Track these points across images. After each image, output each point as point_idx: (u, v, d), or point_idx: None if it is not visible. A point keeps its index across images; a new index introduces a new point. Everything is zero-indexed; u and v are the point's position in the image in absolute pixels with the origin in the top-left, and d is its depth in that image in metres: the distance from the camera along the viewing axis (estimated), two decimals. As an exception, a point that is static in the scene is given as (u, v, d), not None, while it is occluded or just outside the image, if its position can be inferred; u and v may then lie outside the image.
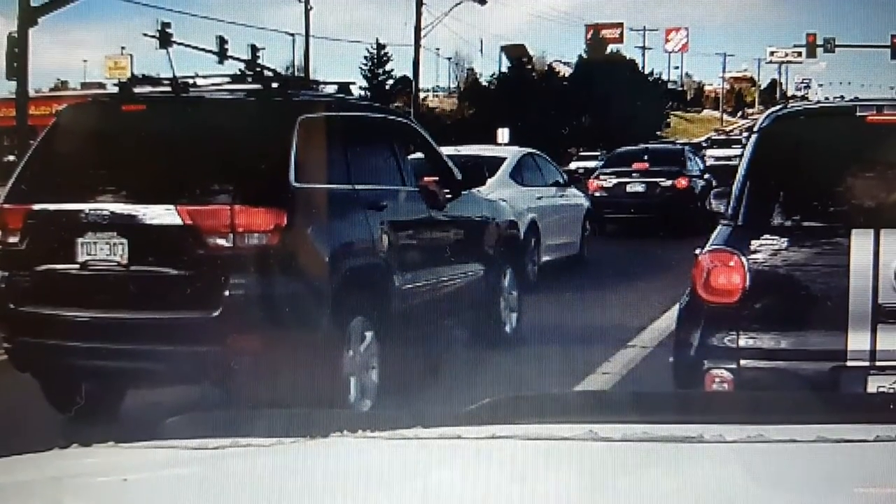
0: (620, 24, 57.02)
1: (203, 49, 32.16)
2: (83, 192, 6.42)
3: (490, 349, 8.08)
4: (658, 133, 52.90)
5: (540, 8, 79.44)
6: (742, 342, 4.98)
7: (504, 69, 53.86)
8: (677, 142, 38.36)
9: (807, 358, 4.88)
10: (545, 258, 12.92)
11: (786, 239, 5.04)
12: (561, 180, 14.50)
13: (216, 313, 6.05)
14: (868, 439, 1.55)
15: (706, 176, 20.20)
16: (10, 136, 25.81)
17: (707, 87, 71.93)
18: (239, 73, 8.42)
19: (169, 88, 6.85)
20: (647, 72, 59.93)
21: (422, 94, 48.74)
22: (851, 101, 5.97)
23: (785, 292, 5.04)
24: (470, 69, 57.05)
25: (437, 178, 8.12)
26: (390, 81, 50.30)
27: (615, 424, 1.61)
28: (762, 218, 5.19)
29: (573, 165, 32.71)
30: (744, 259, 4.99)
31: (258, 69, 9.81)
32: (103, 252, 6.25)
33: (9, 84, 25.50)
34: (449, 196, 8.08)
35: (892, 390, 4.74)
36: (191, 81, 7.01)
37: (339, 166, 6.91)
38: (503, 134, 31.47)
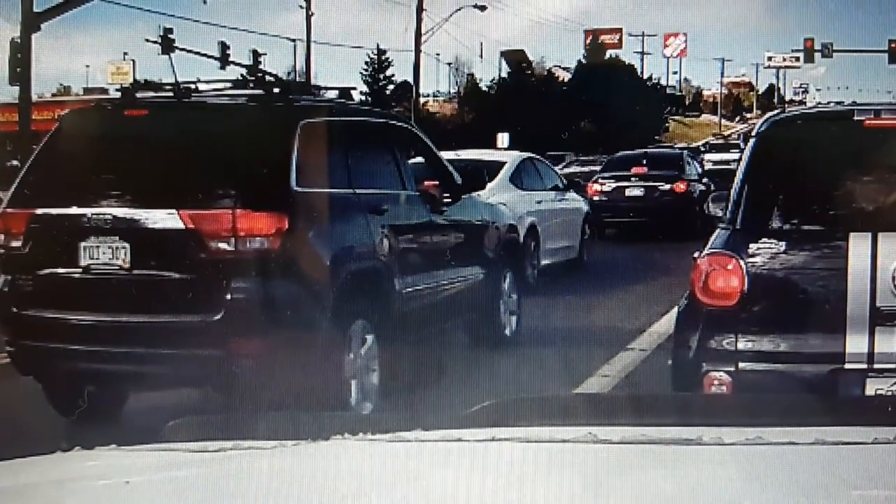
0: (619, 30, 56.88)
1: (205, 55, 32.15)
2: (86, 196, 6.43)
3: (490, 352, 8.08)
4: (657, 137, 52.82)
5: (539, 14, 79.53)
6: (740, 345, 4.99)
7: (504, 74, 53.87)
8: (676, 146, 38.32)
9: (805, 361, 4.89)
10: (544, 261, 12.94)
11: (784, 242, 5.04)
12: (560, 184, 14.54)
13: (218, 317, 6.08)
14: (866, 442, 1.55)
15: (704, 180, 20.24)
16: (14, 141, 25.80)
17: (705, 92, 71.77)
18: (241, 78, 8.47)
19: (171, 94, 6.89)
20: (645, 77, 59.87)
21: (422, 99, 48.70)
22: (849, 105, 5.99)
23: (783, 295, 5.05)
24: (470, 74, 56.98)
25: (437, 183, 8.14)
26: (391, 86, 50.30)
27: (614, 427, 1.61)
28: (760, 222, 5.19)
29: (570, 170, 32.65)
30: (742, 262, 5.00)
31: (260, 74, 9.81)
32: (106, 256, 6.27)
33: (12, 89, 25.57)
34: (449, 200, 8.12)
35: (890, 393, 4.75)
36: (193, 87, 7.04)
37: (340, 171, 6.94)
38: (503, 138, 31.42)
